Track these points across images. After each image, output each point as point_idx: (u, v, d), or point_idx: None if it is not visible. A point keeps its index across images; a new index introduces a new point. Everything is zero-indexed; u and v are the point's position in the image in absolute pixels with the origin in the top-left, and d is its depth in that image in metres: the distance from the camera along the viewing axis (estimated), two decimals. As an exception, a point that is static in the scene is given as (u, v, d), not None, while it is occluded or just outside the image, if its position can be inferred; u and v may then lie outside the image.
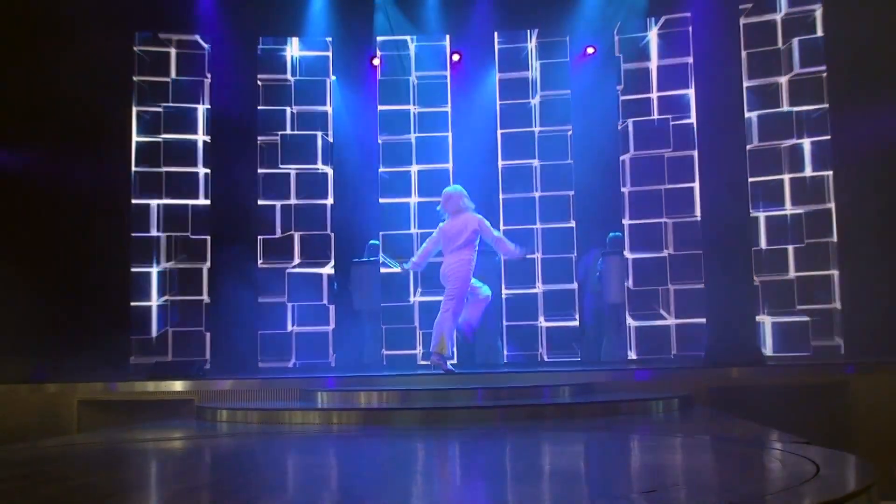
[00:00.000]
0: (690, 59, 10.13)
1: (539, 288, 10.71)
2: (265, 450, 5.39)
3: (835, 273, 9.95)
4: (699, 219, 9.51)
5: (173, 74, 10.81)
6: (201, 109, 10.91)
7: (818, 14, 10.18)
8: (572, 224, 10.72)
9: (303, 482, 4.27)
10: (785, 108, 10.28)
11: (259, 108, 10.95)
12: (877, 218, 9.40)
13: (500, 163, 10.95)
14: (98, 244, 9.90)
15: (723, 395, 7.45)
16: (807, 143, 10.17)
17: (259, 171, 10.95)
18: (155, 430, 6.66)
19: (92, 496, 3.84)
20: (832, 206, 10.02)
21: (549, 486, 3.91)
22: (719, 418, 6.49)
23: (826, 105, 10.07)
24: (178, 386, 8.28)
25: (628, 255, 10.45)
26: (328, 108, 11.17)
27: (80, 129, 9.84)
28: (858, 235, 9.62)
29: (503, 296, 10.52)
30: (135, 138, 10.67)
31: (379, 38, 11.15)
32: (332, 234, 10.94)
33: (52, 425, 7.95)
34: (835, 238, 9.95)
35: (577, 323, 10.60)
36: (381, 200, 11.02)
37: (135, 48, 10.67)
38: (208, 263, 10.70)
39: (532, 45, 11.05)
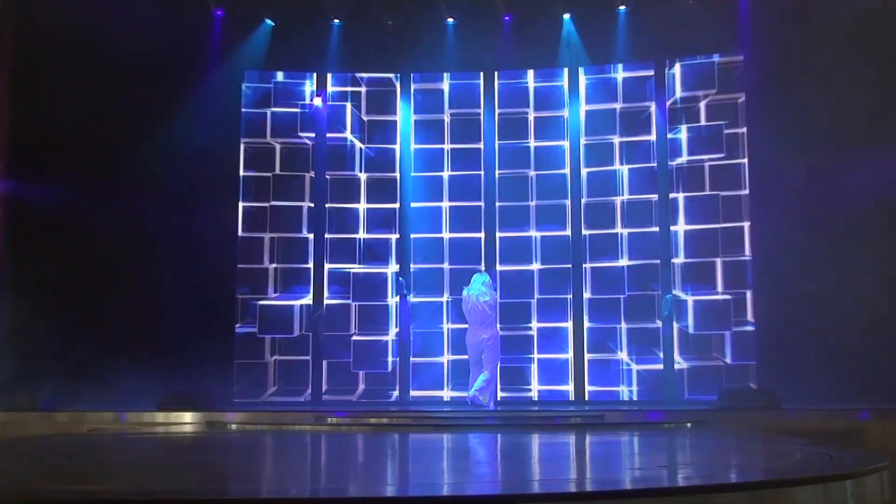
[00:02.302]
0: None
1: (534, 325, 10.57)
2: (261, 442, 5.43)
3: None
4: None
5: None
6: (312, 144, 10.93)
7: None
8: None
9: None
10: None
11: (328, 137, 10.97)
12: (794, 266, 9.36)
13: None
14: (207, 275, 10.06)
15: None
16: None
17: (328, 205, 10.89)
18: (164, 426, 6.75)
19: (96, 467, 3.88)
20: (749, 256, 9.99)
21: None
22: (735, 430, 6.52)
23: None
24: (187, 417, 8.26)
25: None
26: (397, 147, 11.04)
27: (189, 166, 10.12)
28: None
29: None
30: (242, 173, 10.72)
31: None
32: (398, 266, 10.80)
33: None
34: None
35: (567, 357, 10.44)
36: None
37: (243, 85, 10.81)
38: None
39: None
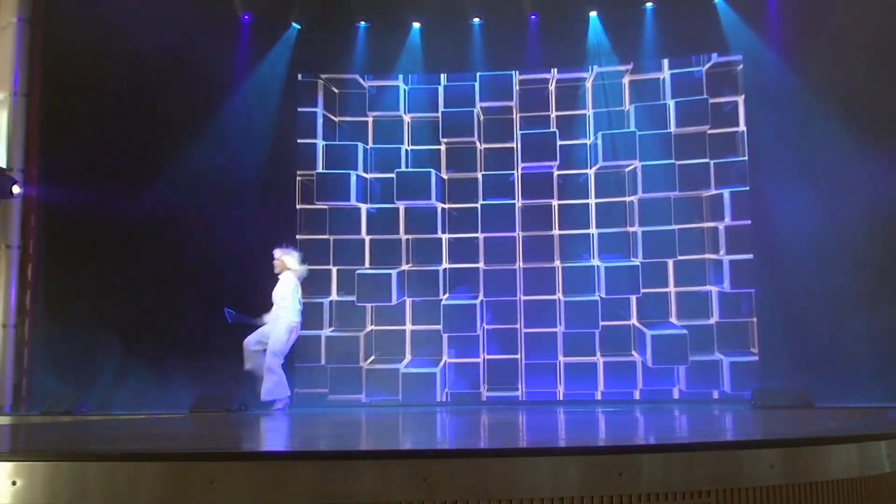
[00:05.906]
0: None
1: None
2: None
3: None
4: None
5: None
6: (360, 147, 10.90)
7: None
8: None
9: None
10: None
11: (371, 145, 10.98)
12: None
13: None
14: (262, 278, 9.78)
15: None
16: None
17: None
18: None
19: (126, 436, 3.94)
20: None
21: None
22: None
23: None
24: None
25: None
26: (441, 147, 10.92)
27: (246, 167, 10.19)
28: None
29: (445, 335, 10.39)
30: (298, 175, 10.68)
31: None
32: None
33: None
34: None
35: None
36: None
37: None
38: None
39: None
